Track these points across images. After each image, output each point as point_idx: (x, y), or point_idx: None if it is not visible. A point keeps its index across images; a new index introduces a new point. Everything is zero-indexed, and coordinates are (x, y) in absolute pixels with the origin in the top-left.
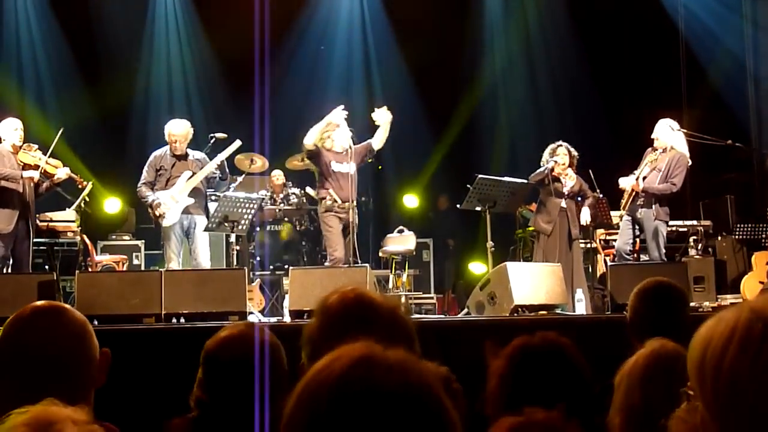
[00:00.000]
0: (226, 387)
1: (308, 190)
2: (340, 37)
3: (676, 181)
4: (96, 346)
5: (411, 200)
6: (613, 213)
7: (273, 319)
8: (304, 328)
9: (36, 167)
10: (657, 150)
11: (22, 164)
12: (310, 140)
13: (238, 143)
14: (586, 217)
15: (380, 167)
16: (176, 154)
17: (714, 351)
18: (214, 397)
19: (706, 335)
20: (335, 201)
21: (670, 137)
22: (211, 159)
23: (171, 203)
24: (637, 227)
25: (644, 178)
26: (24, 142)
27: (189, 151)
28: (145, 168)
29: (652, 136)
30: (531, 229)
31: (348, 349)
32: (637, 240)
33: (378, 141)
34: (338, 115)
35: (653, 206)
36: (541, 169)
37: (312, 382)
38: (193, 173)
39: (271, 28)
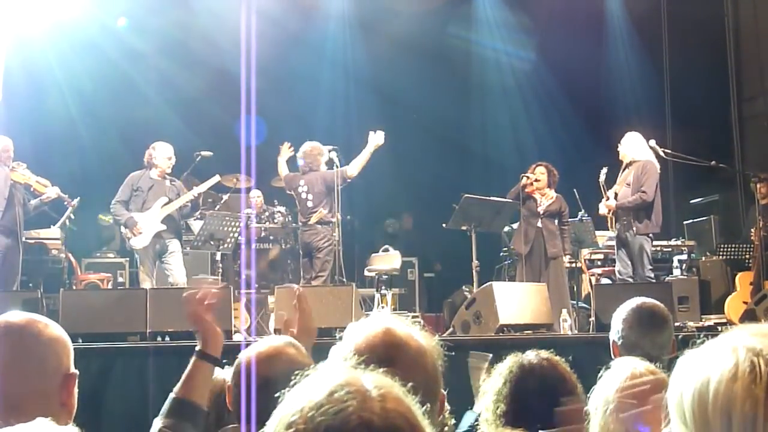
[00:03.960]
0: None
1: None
2: (325, 60)
3: (645, 188)
4: (61, 366)
5: (393, 225)
6: (597, 233)
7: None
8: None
9: (27, 185)
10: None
11: (12, 181)
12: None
13: (216, 178)
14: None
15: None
16: (157, 177)
17: (718, 393)
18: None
19: (701, 377)
20: None
21: (632, 149)
22: (195, 176)
23: (144, 227)
24: (627, 249)
25: (616, 195)
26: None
27: (167, 175)
28: (121, 187)
29: (618, 150)
30: (513, 249)
31: (330, 376)
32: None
33: (355, 165)
34: None
35: (633, 223)
36: (515, 187)
37: (290, 406)
38: (169, 199)
39: (259, 49)
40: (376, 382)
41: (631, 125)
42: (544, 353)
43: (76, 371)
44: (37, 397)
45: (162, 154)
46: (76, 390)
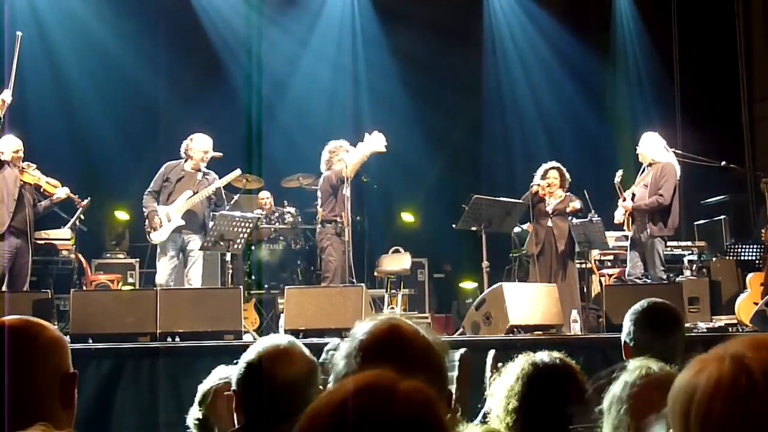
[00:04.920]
0: (269, 403)
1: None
2: (333, 55)
3: (662, 191)
4: (60, 367)
5: (407, 217)
6: (608, 233)
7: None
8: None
9: (36, 186)
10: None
11: (22, 182)
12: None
13: (237, 172)
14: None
15: (375, 186)
16: (190, 169)
17: (700, 405)
18: (252, 412)
19: (689, 387)
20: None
21: (652, 151)
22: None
23: (164, 220)
24: (640, 250)
25: (633, 196)
26: (23, 161)
27: (202, 168)
28: (155, 177)
29: (637, 152)
30: (525, 250)
31: (358, 377)
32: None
33: (350, 167)
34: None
35: (647, 225)
36: (527, 193)
37: (316, 407)
38: (194, 192)
39: (267, 44)
40: (406, 383)
41: (641, 126)
42: (556, 354)
43: (76, 371)
44: (38, 398)
45: (198, 146)
46: (76, 390)
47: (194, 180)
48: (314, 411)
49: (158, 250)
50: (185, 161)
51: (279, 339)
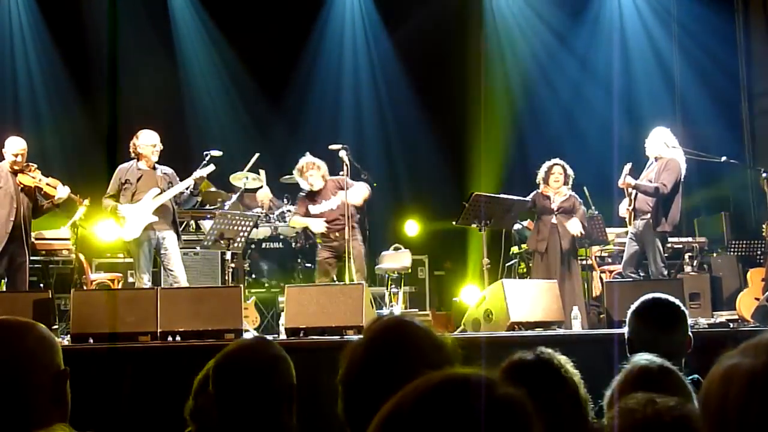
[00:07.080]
0: (238, 399)
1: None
2: (339, 58)
3: (665, 182)
4: (51, 364)
5: (412, 227)
6: (608, 230)
7: (269, 337)
8: (346, 348)
9: (37, 188)
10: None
11: (21, 185)
12: None
13: (211, 168)
14: (575, 227)
15: (374, 184)
16: (145, 167)
17: (737, 397)
18: (224, 409)
19: (724, 381)
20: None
21: (658, 146)
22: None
23: (133, 218)
24: (640, 245)
25: (636, 195)
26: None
27: (156, 164)
28: (111, 182)
29: (645, 146)
30: (525, 247)
31: (452, 373)
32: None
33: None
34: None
35: (649, 221)
36: (530, 195)
37: (404, 393)
38: (161, 190)
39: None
40: (507, 388)
41: (642, 122)
42: (546, 350)
43: (67, 368)
44: (29, 397)
45: (145, 142)
46: (68, 387)
47: (154, 177)
48: (400, 398)
49: (131, 252)
50: (138, 161)
51: (247, 338)
